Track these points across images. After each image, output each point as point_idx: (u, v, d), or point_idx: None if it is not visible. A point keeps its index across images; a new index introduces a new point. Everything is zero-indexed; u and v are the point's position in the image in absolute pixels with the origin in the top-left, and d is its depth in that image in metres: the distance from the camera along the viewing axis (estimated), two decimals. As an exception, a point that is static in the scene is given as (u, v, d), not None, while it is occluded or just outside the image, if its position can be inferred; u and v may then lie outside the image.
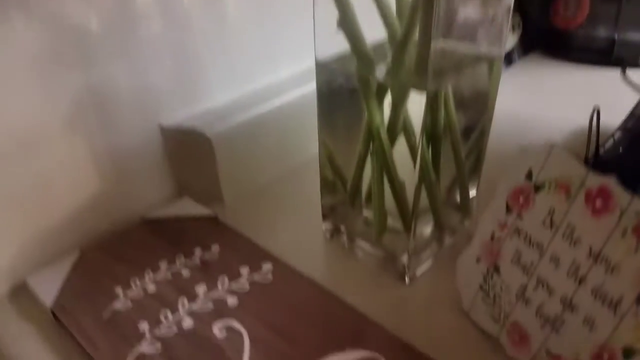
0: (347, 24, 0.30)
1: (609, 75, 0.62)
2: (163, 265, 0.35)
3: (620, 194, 0.24)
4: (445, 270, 0.34)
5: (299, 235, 0.39)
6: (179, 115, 0.42)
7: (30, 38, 0.32)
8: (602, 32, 0.67)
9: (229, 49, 0.43)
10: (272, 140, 0.45)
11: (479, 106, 0.35)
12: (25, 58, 0.32)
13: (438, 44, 0.27)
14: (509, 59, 0.66)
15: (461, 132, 0.33)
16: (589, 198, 0.26)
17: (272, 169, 0.46)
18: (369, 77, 0.31)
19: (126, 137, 0.39)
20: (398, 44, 0.29)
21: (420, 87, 0.29)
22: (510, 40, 0.66)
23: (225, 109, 0.43)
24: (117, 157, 0.39)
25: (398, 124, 0.31)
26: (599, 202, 0.25)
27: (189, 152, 0.42)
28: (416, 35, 0.28)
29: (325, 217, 0.39)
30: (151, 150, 0.41)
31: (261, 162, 0.45)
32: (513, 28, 0.67)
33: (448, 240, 0.37)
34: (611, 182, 0.25)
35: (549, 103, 0.58)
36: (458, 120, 0.33)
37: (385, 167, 0.32)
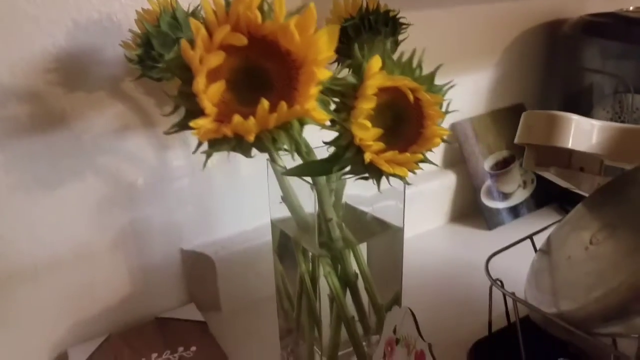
0: (288, 200, 0.42)
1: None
2: (154, 355, 0.48)
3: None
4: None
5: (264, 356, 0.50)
6: (196, 241, 0.56)
7: (93, 187, 0.49)
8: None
9: (239, 194, 0.58)
10: (266, 266, 0.57)
11: (389, 265, 0.44)
12: (88, 198, 0.49)
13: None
14: (515, 212, 0.73)
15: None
16: (417, 357, 0.34)
17: (266, 289, 0.58)
18: (299, 240, 0.42)
19: (154, 256, 0.54)
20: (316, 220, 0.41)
21: (323, 254, 0.39)
22: (519, 194, 0.73)
23: (233, 239, 0.57)
24: (146, 270, 0.53)
25: (317, 274, 0.42)
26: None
27: (200, 270, 0.56)
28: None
29: (282, 339, 0.49)
30: (172, 266, 0.55)
31: (256, 283, 0.57)
32: (525, 184, 0.74)
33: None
34: (426, 347, 0.33)
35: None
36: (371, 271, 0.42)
37: (309, 305, 0.42)
